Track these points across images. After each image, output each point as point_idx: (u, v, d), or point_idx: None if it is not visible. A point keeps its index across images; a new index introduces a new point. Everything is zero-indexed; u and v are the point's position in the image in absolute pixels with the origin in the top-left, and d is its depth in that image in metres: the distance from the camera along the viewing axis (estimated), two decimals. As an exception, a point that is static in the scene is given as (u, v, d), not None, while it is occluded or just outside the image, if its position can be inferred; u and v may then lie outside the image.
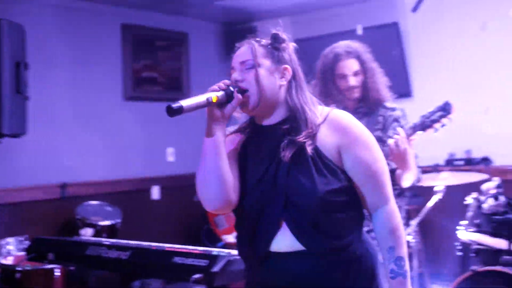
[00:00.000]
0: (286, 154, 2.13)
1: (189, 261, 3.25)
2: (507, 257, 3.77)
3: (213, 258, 3.20)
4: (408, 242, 4.80)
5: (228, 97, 2.12)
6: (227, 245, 4.87)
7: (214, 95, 2.08)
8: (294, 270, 2.15)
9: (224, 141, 2.16)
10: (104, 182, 6.03)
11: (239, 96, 2.13)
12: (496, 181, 3.95)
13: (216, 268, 3.16)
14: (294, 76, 2.22)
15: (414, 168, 3.11)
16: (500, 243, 3.94)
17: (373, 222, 2.18)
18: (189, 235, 6.27)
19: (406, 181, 3.16)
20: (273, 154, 2.17)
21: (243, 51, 2.25)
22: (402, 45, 6.16)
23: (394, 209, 2.19)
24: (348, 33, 5.96)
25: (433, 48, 6.11)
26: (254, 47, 2.25)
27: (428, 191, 4.42)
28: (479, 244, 4.17)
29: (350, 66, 3.22)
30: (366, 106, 3.29)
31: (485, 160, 5.67)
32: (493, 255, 4.15)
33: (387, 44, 6.06)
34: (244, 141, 2.31)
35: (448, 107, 2.96)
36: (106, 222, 5.30)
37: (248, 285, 2.36)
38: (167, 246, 3.57)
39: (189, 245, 3.81)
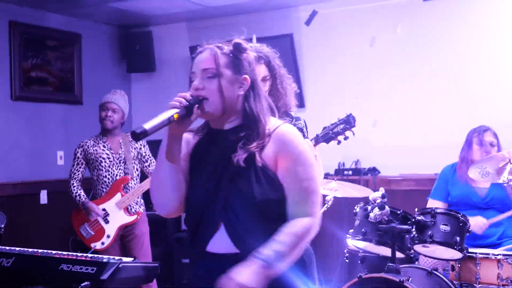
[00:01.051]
0: (239, 159, 2.17)
1: (77, 268, 3.15)
2: (391, 264, 3.87)
3: (102, 265, 3.11)
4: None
5: (188, 112, 2.14)
6: (96, 251, 4.81)
7: (175, 114, 2.11)
8: (227, 272, 2.15)
9: (179, 152, 2.22)
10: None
11: (199, 111, 2.16)
12: (381, 191, 4.05)
13: (105, 276, 3.08)
14: (252, 86, 2.24)
15: (322, 173, 3.16)
16: (385, 251, 4.06)
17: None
18: (75, 243, 6.12)
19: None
20: (222, 158, 2.22)
21: (205, 57, 2.25)
22: (296, 56, 6.25)
23: (312, 223, 2.19)
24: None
25: (325, 61, 6.24)
26: (218, 55, 2.25)
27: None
28: (365, 251, 4.28)
29: (258, 72, 3.16)
30: (280, 109, 3.27)
31: (372, 170, 5.83)
32: (378, 262, 4.26)
33: (282, 55, 6.06)
34: (197, 143, 2.35)
35: (352, 120, 2.99)
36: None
37: (192, 282, 2.41)
38: (54, 252, 3.45)
39: (77, 251, 3.72)
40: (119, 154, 5.02)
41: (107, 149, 5.02)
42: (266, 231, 2.17)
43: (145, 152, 5.16)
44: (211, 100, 2.18)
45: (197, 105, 2.16)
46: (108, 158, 5.00)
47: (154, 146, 6.02)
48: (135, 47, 6.97)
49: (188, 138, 2.37)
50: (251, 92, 2.24)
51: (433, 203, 4.58)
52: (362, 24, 6.06)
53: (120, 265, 3.22)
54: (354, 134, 3.02)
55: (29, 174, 6.14)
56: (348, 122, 2.99)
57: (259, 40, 5.88)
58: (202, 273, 2.30)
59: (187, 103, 2.14)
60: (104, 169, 5.00)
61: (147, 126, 2.07)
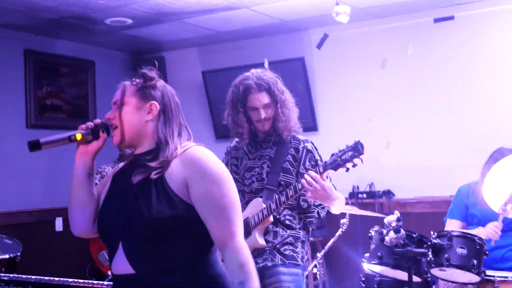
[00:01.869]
0: (136, 178, 2.21)
1: (92, 296, 3.16)
2: (408, 288, 3.83)
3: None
4: (314, 274, 4.84)
5: (94, 135, 2.31)
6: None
7: (78, 133, 2.30)
8: None
9: (87, 173, 2.35)
10: (2, 213, 5.78)
11: (105, 135, 2.31)
12: (396, 214, 4.02)
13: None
14: (163, 111, 2.30)
15: (340, 197, 3.16)
16: (401, 275, 4.02)
17: (223, 257, 2.16)
18: (91, 270, 6.10)
19: (335, 210, 3.24)
20: (129, 180, 2.24)
21: (117, 92, 2.37)
22: (308, 79, 6.25)
23: (241, 244, 2.14)
24: (255, 67, 5.96)
25: (337, 84, 6.24)
26: (126, 87, 2.37)
27: (333, 223, 4.48)
28: (381, 275, 4.24)
29: (261, 99, 3.19)
30: (277, 135, 3.29)
31: (387, 193, 5.80)
32: (395, 286, 4.22)
33: (293, 78, 6.13)
34: (119, 169, 2.42)
35: (361, 147, 2.95)
36: (4, 256, 5.08)
37: None
38: (71, 280, 3.44)
39: (94, 278, 3.71)
40: None
41: None
42: (162, 250, 2.16)
43: None
44: (119, 128, 2.27)
45: (101, 130, 2.30)
46: None
47: None
48: (148, 72, 6.98)
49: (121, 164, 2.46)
50: (161, 117, 2.28)
51: (451, 223, 4.52)
52: (373, 46, 6.06)
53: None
54: (362, 161, 2.99)
55: (45, 201, 6.16)
56: (356, 149, 2.96)
57: (271, 64, 5.95)
58: None
59: (93, 127, 2.30)
60: None
61: (42, 139, 2.27)
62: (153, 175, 2.15)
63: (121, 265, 2.18)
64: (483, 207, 4.46)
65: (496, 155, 4.47)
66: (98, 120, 2.32)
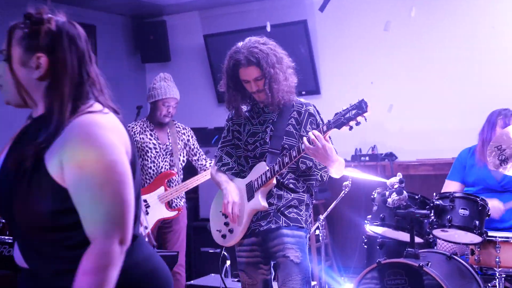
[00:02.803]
0: (10, 159, 1.82)
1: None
2: (410, 249, 3.86)
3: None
4: (317, 236, 4.87)
5: None
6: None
7: None
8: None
9: None
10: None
11: None
12: (399, 176, 4.04)
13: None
14: (53, 66, 1.81)
15: (340, 160, 3.18)
16: (403, 236, 4.05)
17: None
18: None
19: (335, 174, 3.26)
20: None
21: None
22: (310, 43, 6.24)
23: (102, 249, 1.69)
24: (257, 30, 5.99)
25: (340, 47, 6.23)
26: (12, 32, 1.88)
27: (335, 186, 4.51)
28: (384, 237, 4.27)
29: (251, 73, 3.20)
30: (276, 105, 3.29)
31: (389, 156, 5.82)
32: (397, 247, 4.26)
33: (296, 41, 6.13)
34: (18, 134, 1.97)
35: (364, 105, 2.95)
36: None
37: None
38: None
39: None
40: (166, 145, 4.94)
41: (154, 139, 4.93)
42: (55, 248, 1.80)
43: (193, 144, 5.09)
44: (5, 88, 1.87)
45: None
46: (155, 148, 4.93)
47: (201, 134, 6.06)
48: (149, 37, 6.98)
49: None
50: (50, 74, 1.81)
51: (450, 184, 4.57)
52: (376, 8, 6.03)
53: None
54: (366, 119, 3.00)
55: None
56: (360, 107, 2.96)
57: (273, 27, 5.94)
58: None
59: None
60: (149, 160, 4.92)
61: None
62: (29, 161, 1.72)
63: (19, 257, 1.88)
64: (480, 168, 4.50)
65: (494, 118, 4.50)
66: None
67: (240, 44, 3.27)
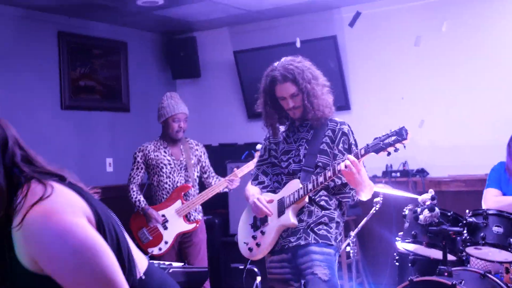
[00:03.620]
0: None
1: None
2: (443, 267, 3.83)
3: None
4: (347, 252, 4.84)
5: None
6: (153, 257, 4.85)
7: None
8: None
9: None
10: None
11: None
12: (431, 192, 4.00)
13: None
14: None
15: (370, 185, 3.22)
16: (436, 253, 4.01)
17: None
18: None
19: (364, 197, 3.28)
20: None
21: None
22: (340, 58, 6.23)
23: None
24: (286, 46, 6.01)
25: (370, 62, 6.21)
26: None
27: (366, 202, 4.48)
28: (415, 254, 4.23)
29: (287, 89, 3.25)
30: (311, 121, 3.32)
31: (421, 172, 5.78)
32: (429, 265, 4.22)
33: (325, 57, 6.11)
34: None
35: (405, 133, 3.00)
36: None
37: None
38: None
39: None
40: (180, 160, 5.04)
41: (168, 155, 5.04)
42: None
43: (204, 161, 5.19)
44: None
45: None
46: (169, 164, 5.03)
47: (231, 150, 6.07)
48: (179, 53, 7.02)
49: None
50: None
51: (491, 191, 4.49)
52: (406, 23, 6.00)
53: (170, 270, 3.26)
54: (405, 147, 3.01)
55: (79, 177, 6.21)
56: (400, 134, 3.01)
57: (303, 42, 5.94)
58: None
59: None
60: (165, 175, 5.02)
61: None
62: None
63: None
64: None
65: None
66: None
67: (276, 63, 3.32)
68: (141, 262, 1.98)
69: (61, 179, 1.80)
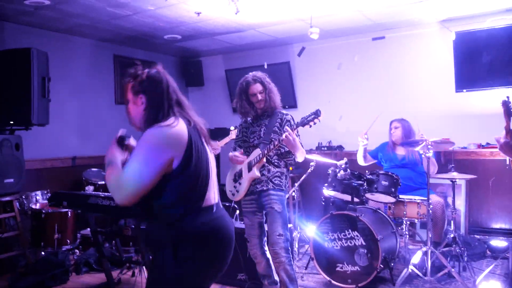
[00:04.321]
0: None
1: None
2: (351, 205, 3.89)
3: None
4: (293, 196, 4.89)
5: (119, 142, 2.00)
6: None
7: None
8: None
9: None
10: (101, 157, 5.83)
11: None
12: (345, 160, 4.06)
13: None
14: (148, 100, 1.83)
15: (302, 150, 3.18)
16: (347, 197, 4.08)
17: None
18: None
19: (299, 158, 3.24)
20: None
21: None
22: (292, 76, 6.23)
23: (118, 178, 1.74)
24: (258, 67, 6.00)
25: (309, 79, 6.23)
26: (126, 86, 1.91)
27: (305, 165, 4.52)
28: (334, 197, 4.31)
29: (257, 87, 3.25)
30: (268, 111, 3.32)
31: (339, 147, 5.84)
32: (342, 204, 4.30)
33: (283, 75, 6.13)
34: None
35: (319, 112, 3.00)
36: (102, 182, 5.15)
37: None
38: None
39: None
40: None
41: None
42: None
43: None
44: (129, 119, 1.91)
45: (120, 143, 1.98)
46: None
47: (222, 131, 6.04)
48: (190, 70, 6.97)
49: None
50: (148, 107, 1.83)
51: (368, 156, 4.66)
52: (332, 55, 6.03)
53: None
54: (320, 121, 3.02)
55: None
56: (316, 113, 3.01)
57: (269, 65, 5.95)
58: None
59: (119, 137, 2.00)
60: None
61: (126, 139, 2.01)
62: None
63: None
64: (388, 152, 4.54)
65: (390, 126, 4.59)
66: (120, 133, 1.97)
67: (247, 74, 3.32)
68: (212, 199, 1.87)
69: (189, 122, 1.85)
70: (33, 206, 4.50)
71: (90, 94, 5.82)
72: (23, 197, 4.61)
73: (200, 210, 1.79)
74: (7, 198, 4.19)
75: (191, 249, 1.73)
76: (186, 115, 1.86)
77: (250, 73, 3.33)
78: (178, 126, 1.77)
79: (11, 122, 4.34)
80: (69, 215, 4.45)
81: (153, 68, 1.89)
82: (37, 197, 4.67)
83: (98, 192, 4.47)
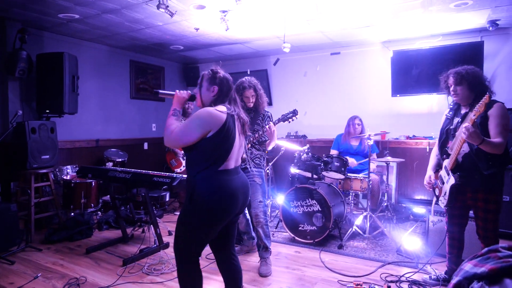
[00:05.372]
0: None
1: (161, 179, 3.20)
2: (311, 180, 3.92)
3: (173, 178, 3.16)
4: (267, 173, 4.92)
5: (191, 98, 2.13)
6: (177, 173, 4.83)
7: (191, 95, 2.14)
8: None
9: (181, 113, 2.11)
10: (119, 139, 5.75)
11: (193, 101, 2.11)
12: (307, 146, 4.08)
13: (174, 183, 3.13)
14: (218, 91, 2.05)
15: (275, 141, 3.18)
16: (308, 174, 4.12)
17: None
18: (161, 169, 6.15)
19: (270, 147, 3.22)
20: None
21: (200, 78, 2.15)
22: (269, 80, 6.20)
23: (168, 138, 2.00)
24: (243, 73, 5.97)
25: (282, 83, 6.20)
26: (203, 76, 2.13)
27: (277, 149, 4.54)
28: (299, 174, 4.34)
29: (251, 92, 3.18)
30: (255, 109, 3.27)
31: (304, 136, 5.86)
32: (305, 180, 4.33)
33: (261, 79, 6.07)
34: None
35: (296, 111, 3.01)
36: (119, 159, 5.08)
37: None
38: (150, 172, 3.50)
39: (161, 171, 3.73)
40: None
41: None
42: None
43: None
44: (199, 99, 2.08)
45: (192, 97, 2.11)
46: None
47: None
48: (190, 74, 6.86)
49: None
50: (218, 95, 2.05)
51: (332, 151, 4.64)
52: (300, 65, 6.00)
53: (182, 178, 3.27)
54: (297, 118, 3.05)
55: (139, 134, 6.11)
56: (294, 112, 3.02)
57: (251, 72, 5.89)
58: None
59: (190, 95, 2.13)
60: None
61: (161, 91, 2.17)
62: None
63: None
64: (346, 144, 4.58)
65: (349, 121, 4.58)
66: (189, 92, 2.13)
67: (244, 79, 3.23)
68: (230, 165, 2.00)
69: (231, 114, 2.01)
70: (65, 177, 4.42)
71: (110, 90, 5.69)
72: (57, 170, 4.53)
73: (217, 171, 1.93)
74: (44, 171, 4.11)
75: (200, 198, 1.88)
76: (233, 107, 2.05)
77: (246, 78, 3.22)
78: (221, 112, 1.96)
79: (47, 111, 4.25)
80: (93, 184, 4.39)
81: (224, 72, 2.11)
82: (68, 170, 4.59)
83: (116, 167, 4.45)
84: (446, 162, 2.55)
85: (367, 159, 4.36)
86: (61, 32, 4.75)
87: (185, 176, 3.30)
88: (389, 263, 3.22)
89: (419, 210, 4.64)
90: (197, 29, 4.60)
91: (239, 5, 3.70)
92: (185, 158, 2.04)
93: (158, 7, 3.58)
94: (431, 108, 5.01)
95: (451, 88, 2.56)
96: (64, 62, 4.19)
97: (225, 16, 3.99)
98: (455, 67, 2.60)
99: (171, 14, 3.72)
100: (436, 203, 2.70)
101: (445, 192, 2.55)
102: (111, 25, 4.44)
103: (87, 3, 3.72)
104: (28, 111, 4.43)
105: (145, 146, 6.14)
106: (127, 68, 5.95)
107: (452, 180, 2.48)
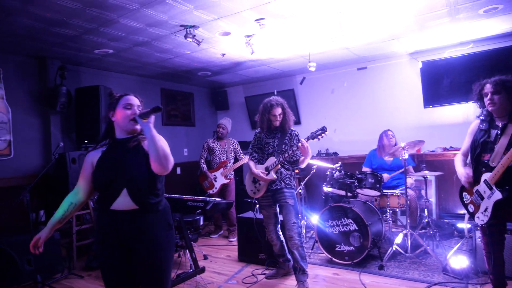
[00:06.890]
0: (130, 145, 1.86)
1: (195, 203, 3.22)
2: (345, 199, 3.84)
3: (206, 202, 3.18)
4: (299, 193, 4.87)
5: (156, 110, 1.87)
6: (210, 195, 4.84)
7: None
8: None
9: None
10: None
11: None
12: (339, 163, 4.02)
13: (208, 207, 3.15)
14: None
15: (310, 156, 3.16)
16: (342, 193, 4.04)
17: None
18: (194, 192, 6.22)
19: (304, 165, 3.20)
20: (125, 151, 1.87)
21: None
22: (296, 99, 6.22)
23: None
24: (270, 94, 6.03)
25: (310, 101, 6.20)
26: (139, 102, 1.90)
27: (309, 168, 4.50)
28: (332, 193, 4.26)
29: (278, 111, 3.19)
30: (282, 128, 3.28)
31: (335, 153, 5.79)
32: (338, 198, 4.25)
33: (289, 99, 6.12)
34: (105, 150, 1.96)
35: (325, 128, 3.01)
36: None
37: (97, 231, 1.93)
38: (184, 196, 3.54)
39: (194, 196, 3.76)
40: (224, 148, 4.94)
41: (218, 145, 4.94)
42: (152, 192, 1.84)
43: (237, 149, 5.04)
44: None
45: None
46: (218, 150, 4.93)
47: (242, 144, 6.08)
48: (218, 98, 7.00)
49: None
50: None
51: (364, 169, 4.54)
52: (327, 82, 6.00)
53: (215, 202, 3.28)
54: (326, 135, 3.03)
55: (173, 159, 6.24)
56: (323, 129, 3.01)
57: (278, 92, 5.94)
58: (106, 224, 1.85)
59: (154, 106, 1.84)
60: (216, 155, 4.94)
61: (142, 112, 1.92)
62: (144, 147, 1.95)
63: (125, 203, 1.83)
64: (379, 159, 4.47)
65: (381, 135, 4.49)
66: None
67: (271, 98, 3.25)
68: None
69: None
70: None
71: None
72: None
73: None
74: (84, 199, 4.24)
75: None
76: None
77: (273, 97, 3.24)
78: None
79: (86, 141, 4.43)
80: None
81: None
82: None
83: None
84: (487, 176, 2.40)
85: (400, 170, 4.22)
86: (96, 66, 5.03)
87: (218, 199, 3.33)
88: (435, 284, 3.05)
89: (464, 225, 4.40)
90: (223, 55, 4.73)
91: (263, 29, 3.78)
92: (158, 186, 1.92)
93: (185, 37, 3.73)
94: (466, 117, 4.82)
95: (488, 97, 2.44)
96: (100, 94, 4.39)
97: (249, 40, 4.09)
98: (488, 74, 2.50)
99: (198, 43, 3.85)
100: (470, 219, 2.54)
101: (486, 208, 2.40)
102: (142, 56, 4.66)
103: (120, 38, 3.94)
104: (68, 142, 4.66)
105: (178, 171, 6.26)
106: (158, 96, 6.16)
107: (498, 195, 2.33)
